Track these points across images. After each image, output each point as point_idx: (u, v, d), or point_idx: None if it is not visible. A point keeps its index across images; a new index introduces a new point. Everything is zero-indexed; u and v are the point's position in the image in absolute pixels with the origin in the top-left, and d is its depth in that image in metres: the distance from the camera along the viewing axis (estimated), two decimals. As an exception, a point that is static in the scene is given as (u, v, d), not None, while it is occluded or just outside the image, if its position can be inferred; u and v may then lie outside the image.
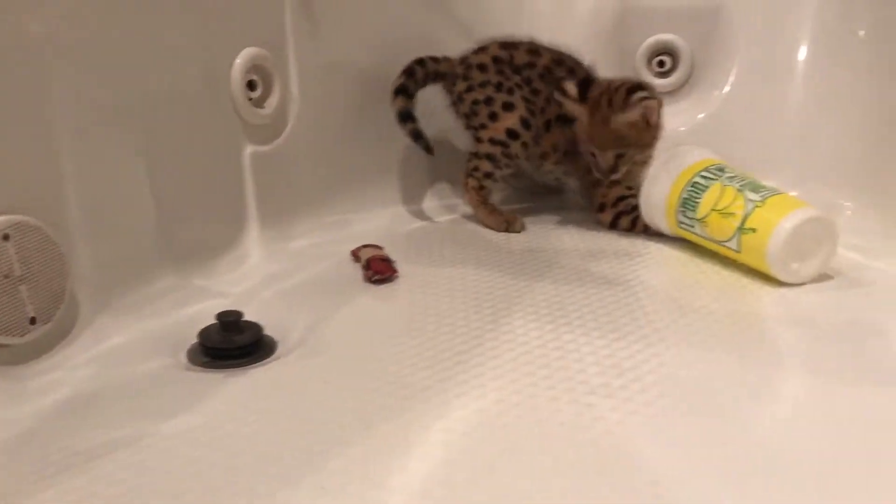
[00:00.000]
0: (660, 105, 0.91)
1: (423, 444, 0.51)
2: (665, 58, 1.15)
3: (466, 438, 0.52)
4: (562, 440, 0.52)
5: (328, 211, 0.96)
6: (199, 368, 0.65)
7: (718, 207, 0.81)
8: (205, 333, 0.68)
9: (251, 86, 0.86)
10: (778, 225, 0.75)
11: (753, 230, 0.77)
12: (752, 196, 0.79)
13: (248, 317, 0.69)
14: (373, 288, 0.79)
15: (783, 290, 0.75)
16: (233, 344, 0.67)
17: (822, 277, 0.77)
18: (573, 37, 1.15)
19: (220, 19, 0.82)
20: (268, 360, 0.66)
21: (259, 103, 0.87)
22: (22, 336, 0.61)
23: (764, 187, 0.81)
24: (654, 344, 0.64)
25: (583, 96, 0.92)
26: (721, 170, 0.85)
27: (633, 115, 0.89)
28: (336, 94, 0.96)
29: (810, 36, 1.05)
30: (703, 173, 0.85)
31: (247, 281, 0.81)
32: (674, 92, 1.15)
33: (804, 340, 0.67)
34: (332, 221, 0.95)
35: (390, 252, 0.85)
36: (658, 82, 1.15)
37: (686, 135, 1.12)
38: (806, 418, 0.54)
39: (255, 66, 0.85)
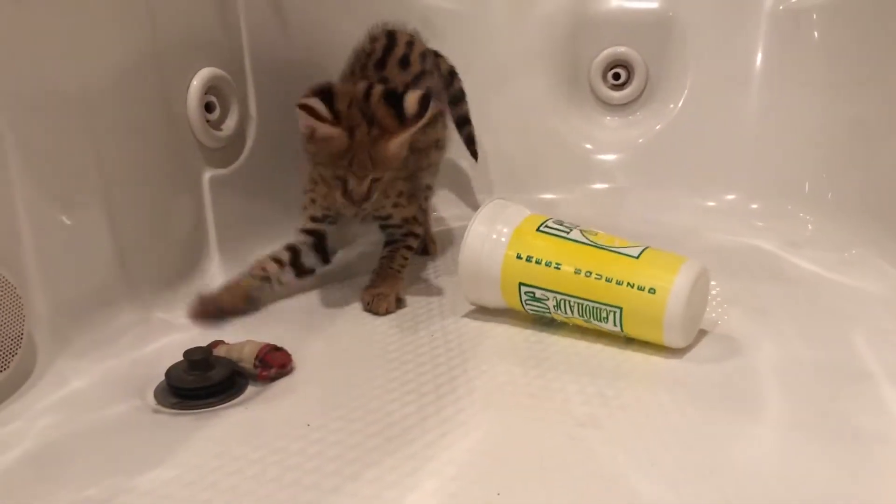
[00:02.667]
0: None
1: (415, 490, 0.50)
2: (620, 70, 1.16)
3: (458, 482, 0.50)
4: (557, 474, 0.51)
5: (289, 233, 0.93)
6: (169, 410, 0.62)
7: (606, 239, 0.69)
8: (172, 372, 0.65)
9: (208, 108, 0.83)
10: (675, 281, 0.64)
11: (660, 252, 0.67)
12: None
13: (215, 351, 0.67)
14: (344, 315, 0.77)
15: (741, 313, 0.75)
16: (203, 383, 0.64)
17: (790, 297, 0.78)
18: (528, 49, 1.16)
19: (174, 40, 0.78)
20: (240, 398, 0.64)
21: (216, 125, 0.84)
22: (-22, 387, 0.57)
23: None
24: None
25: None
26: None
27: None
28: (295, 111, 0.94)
29: (764, 47, 1.07)
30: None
31: (211, 312, 0.78)
32: (630, 104, 1.16)
33: (777, 356, 0.67)
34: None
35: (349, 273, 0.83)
36: (614, 95, 1.16)
37: (643, 147, 1.14)
38: (792, 434, 0.55)
39: (212, 88, 0.82)
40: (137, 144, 0.75)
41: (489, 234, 0.71)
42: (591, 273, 0.66)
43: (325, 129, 0.70)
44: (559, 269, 0.67)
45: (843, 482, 0.50)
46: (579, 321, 0.69)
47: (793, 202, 0.97)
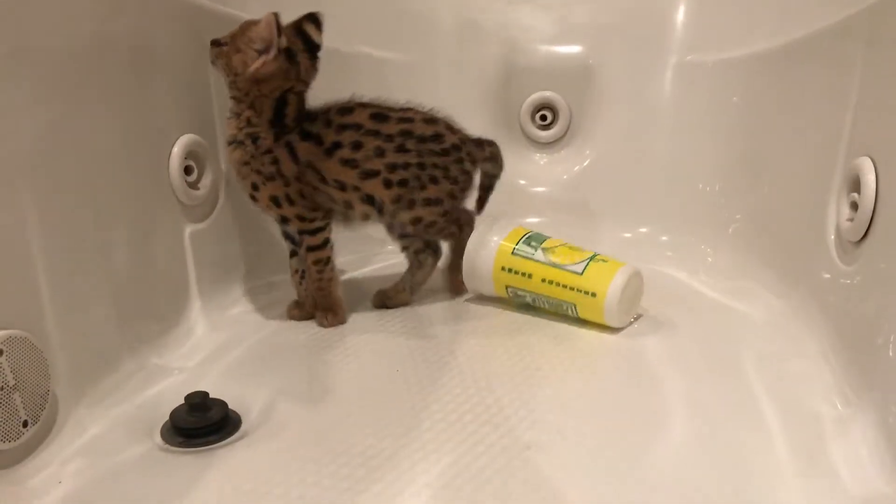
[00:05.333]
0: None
1: (401, 512, 0.62)
2: (546, 112, 1.31)
3: (435, 502, 0.63)
4: (510, 492, 0.64)
5: (257, 275, 1.04)
6: (176, 449, 0.72)
7: (568, 244, 0.95)
8: (176, 414, 0.75)
9: (187, 170, 0.93)
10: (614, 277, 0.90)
11: (604, 261, 0.93)
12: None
13: (207, 388, 0.76)
14: (316, 352, 0.89)
15: (648, 337, 0.91)
16: (203, 423, 0.75)
17: (693, 320, 0.94)
18: (464, 96, 1.28)
19: (156, 113, 0.88)
20: (237, 435, 0.75)
21: (194, 185, 0.94)
22: (16, 440, 0.67)
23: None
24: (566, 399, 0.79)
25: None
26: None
27: None
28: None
29: (670, 95, 1.23)
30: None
31: (198, 354, 0.88)
32: (555, 143, 1.31)
33: (681, 379, 0.82)
34: (261, 285, 1.04)
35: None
36: (541, 134, 1.31)
37: (567, 182, 1.28)
38: (689, 449, 0.70)
39: (190, 152, 0.92)
40: (130, 211, 0.84)
41: (484, 251, 0.97)
42: (552, 282, 0.93)
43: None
44: (531, 278, 0.94)
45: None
46: (549, 310, 0.95)
47: (695, 235, 1.13)
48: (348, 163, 0.91)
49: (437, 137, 0.95)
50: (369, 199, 0.93)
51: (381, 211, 0.95)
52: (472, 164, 0.99)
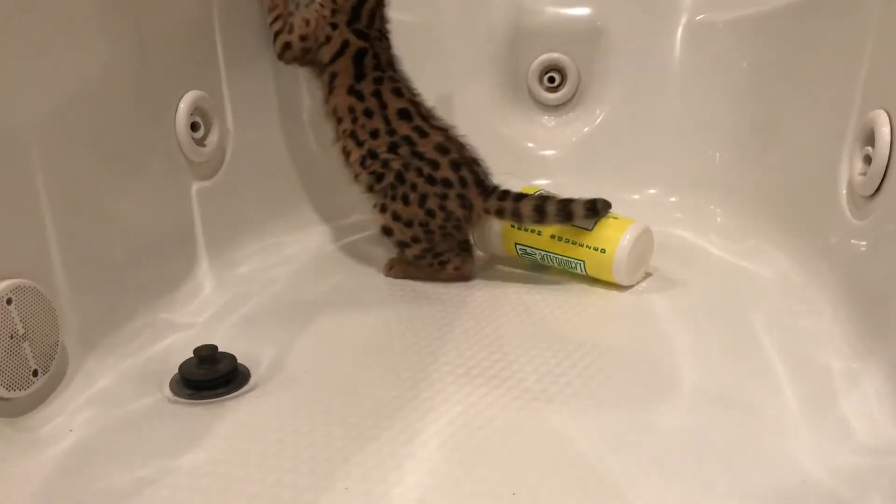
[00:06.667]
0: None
1: (411, 459, 0.62)
2: (554, 74, 1.29)
3: (442, 450, 0.63)
4: (517, 442, 0.64)
5: (265, 235, 1.04)
6: (185, 401, 0.73)
7: None
8: (185, 367, 0.76)
9: (193, 127, 0.92)
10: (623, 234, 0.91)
11: (615, 218, 0.93)
12: None
13: (216, 343, 0.76)
14: (324, 307, 0.89)
15: (657, 295, 0.91)
16: (212, 375, 0.75)
17: (701, 279, 0.94)
18: (472, 58, 1.27)
19: (163, 68, 0.87)
20: (245, 388, 0.75)
21: (201, 142, 0.93)
22: (26, 389, 0.67)
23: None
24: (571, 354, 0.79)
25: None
26: None
27: None
28: (265, 122, 1.04)
29: (680, 56, 1.21)
30: None
31: (206, 311, 0.88)
32: (563, 105, 1.30)
33: (690, 334, 0.82)
34: (269, 244, 1.03)
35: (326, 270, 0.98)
36: (549, 96, 1.29)
37: (575, 145, 1.27)
38: (699, 402, 0.70)
39: (197, 108, 0.91)
40: (137, 166, 0.84)
41: None
42: (562, 238, 0.93)
43: None
44: (540, 234, 0.94)
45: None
46: (557, 267, 0.95)
47: (704, 196, 1.12)
48: (352, 112, 0.93)
49: (433, 164, 0.91)
50: (346, 152, 0.95)
51: (353, 176, 0.96)
52: (462, 208, 0.92)
